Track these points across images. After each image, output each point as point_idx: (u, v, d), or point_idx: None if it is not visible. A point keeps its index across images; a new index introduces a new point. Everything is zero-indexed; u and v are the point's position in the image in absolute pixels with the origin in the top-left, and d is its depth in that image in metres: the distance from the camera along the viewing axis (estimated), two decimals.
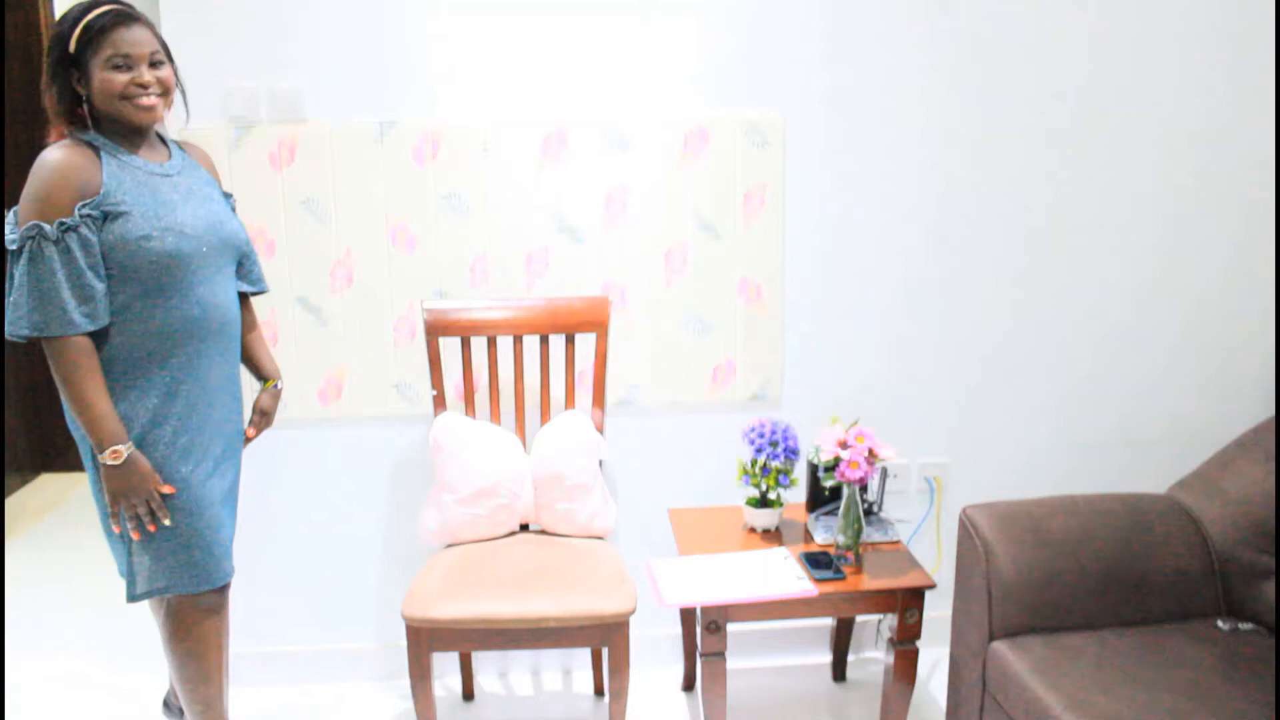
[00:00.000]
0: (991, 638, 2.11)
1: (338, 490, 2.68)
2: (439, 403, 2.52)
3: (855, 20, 2.54)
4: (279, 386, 2.35)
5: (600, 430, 2.53)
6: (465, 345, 2.51)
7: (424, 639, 2.18)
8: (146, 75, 1.94)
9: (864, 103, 2.58)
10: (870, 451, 2.20)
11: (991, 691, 2.10)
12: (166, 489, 1.99)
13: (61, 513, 3.99)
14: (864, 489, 2.33)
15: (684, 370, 2.67)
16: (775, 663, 2.84)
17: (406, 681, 2.71)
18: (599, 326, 2.50)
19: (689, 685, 2.72)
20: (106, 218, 1.91)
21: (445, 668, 2.79)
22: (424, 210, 2.56)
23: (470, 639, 2.19)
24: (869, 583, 2.20)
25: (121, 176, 1.94)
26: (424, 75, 2.51)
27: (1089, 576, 2.13)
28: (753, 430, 2.40)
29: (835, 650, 2.76)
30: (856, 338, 2.70)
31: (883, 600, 2.21)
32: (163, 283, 1.96)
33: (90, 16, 1.91)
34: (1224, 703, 1.85)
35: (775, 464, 2.38)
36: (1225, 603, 2.18)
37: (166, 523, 1.99)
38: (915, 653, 2.25)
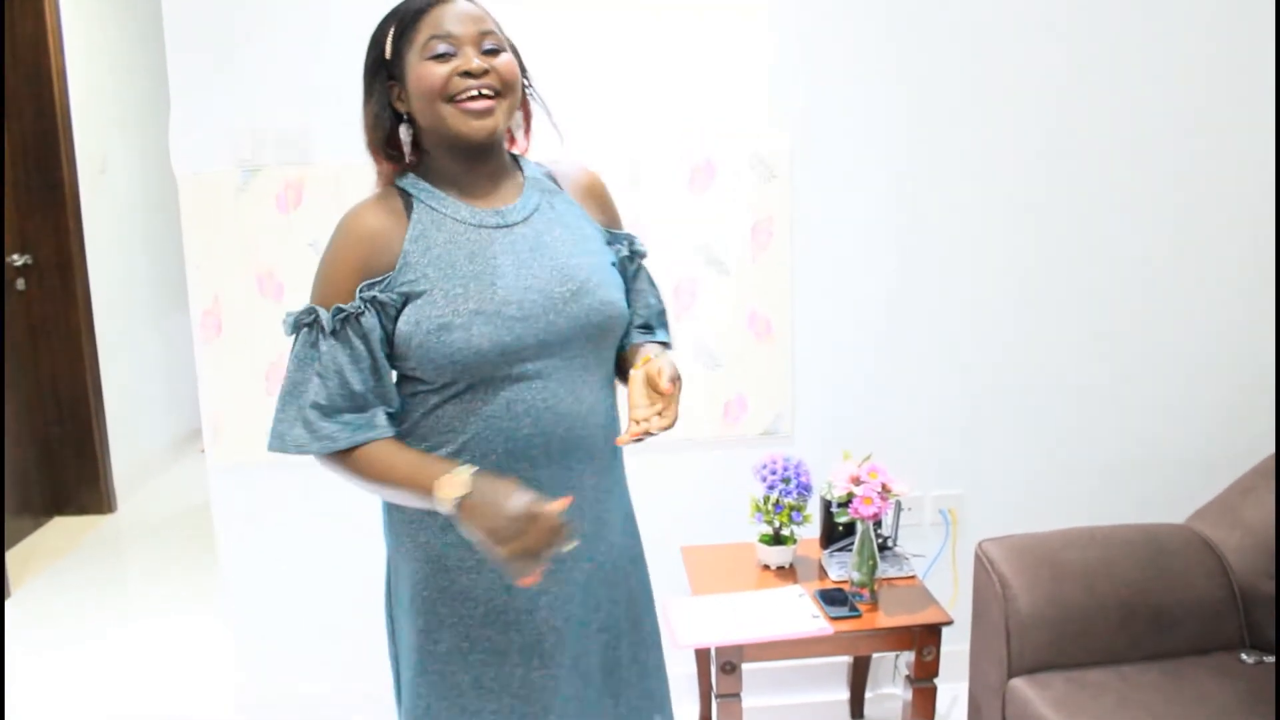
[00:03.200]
0: (1010, 674, 2.08)
1: (349, 523, 2.66)
2: None
3: (860, 52, 2.54)
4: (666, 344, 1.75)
5: None
6: None
7: None
8: (475, 61, 1.44)
9: (870, 134, 2.58)
10: (884, 486, 2.18)
11: None
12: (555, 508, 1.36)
13: (72, 557, 3.98)
14: (878, 524, 2.31)
15: (695, 406, 2.66)
16: (792, 700, 2.80)
17: None
18: None
19: None
20: (406, 300, 1.45)
21: None
22: None
23: None
24: (885, 620, 2.18)
25: (432, 237, 1.47)
26: None
27: (1108, 610, 2.10)
28: (765, 467, 2.39)
29: (852, 687, 2.73)
30: (867, 370, 2.69)
31: (899, 637, 2.19)
32: (472, 385, 1.46)
33: (405, 2, 1.49)
34: None
35: (788, 500, 2.37)
36: (1248, 635, 2.15)
37: (566, 549, 1.39)
38: (933, 690, 2.22)
